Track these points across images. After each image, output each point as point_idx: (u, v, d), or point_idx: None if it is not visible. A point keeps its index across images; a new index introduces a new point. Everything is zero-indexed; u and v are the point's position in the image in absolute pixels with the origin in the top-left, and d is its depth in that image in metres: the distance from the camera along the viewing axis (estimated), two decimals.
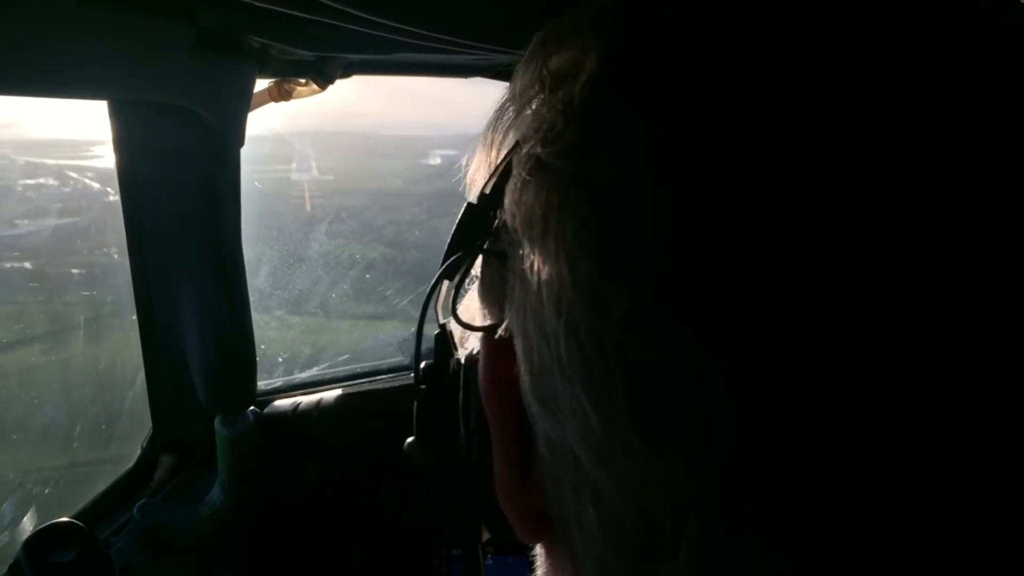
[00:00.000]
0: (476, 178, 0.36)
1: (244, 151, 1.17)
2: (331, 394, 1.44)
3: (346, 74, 1.24)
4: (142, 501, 1.20)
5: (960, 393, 0.23)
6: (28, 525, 1.49)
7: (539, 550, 0.35)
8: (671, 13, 0.28)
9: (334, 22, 0.80)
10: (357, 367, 1.65)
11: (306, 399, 1.44)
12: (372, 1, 0.73)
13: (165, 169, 1.13)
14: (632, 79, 0.27)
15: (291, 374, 1.73)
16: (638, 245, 0.25)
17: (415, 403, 0.38)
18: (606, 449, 0.27)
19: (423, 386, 0.38)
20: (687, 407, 0.25)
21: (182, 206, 1.14)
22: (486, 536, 0.38)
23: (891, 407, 0.23)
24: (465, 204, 0.35)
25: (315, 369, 1.77)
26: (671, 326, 0.25)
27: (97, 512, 1.23)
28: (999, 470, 0.23)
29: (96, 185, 2.40)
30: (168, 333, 1.25)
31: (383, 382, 1.50)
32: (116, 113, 1.10)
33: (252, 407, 1.35)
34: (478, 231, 0.34)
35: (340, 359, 2.09)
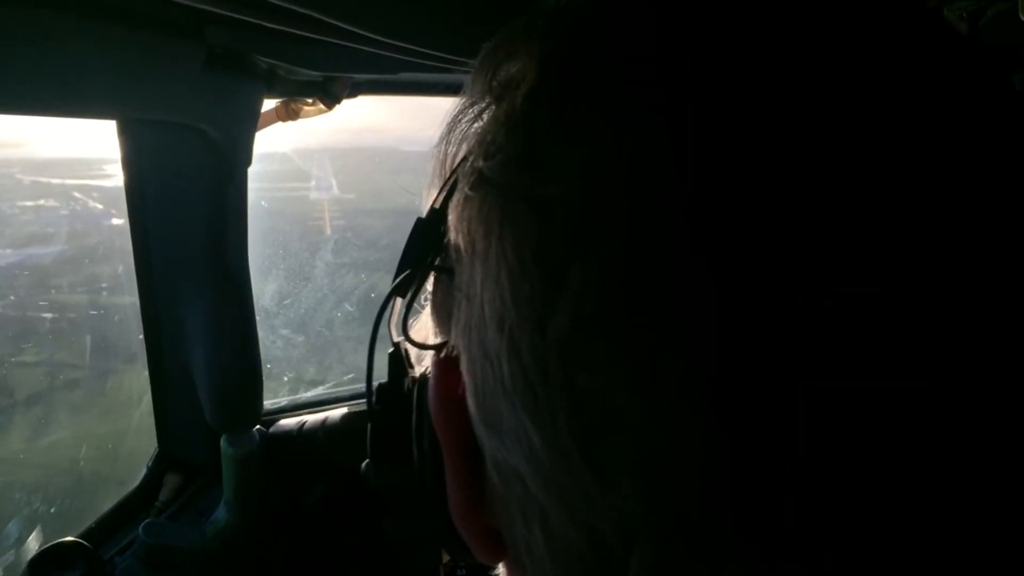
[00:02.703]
0: (429, 192, 0.35)
1: (253, 169, 1.18)
2: (336, 413, 1.44)
3: (352, 94, 1.25)
4: (147, 521, 1.19)
5: (921, 421, 0.22)
6: (34, 544, 1.48)
7: (501, 569, 0.34)
8: (616, 19, 0.27)
9: (341, 42, 0.81)
10: (362, 386, 1.64)
11: (311, 418, 1.44)
12: (378, 21, 0.74)
13: (173, 187, 1.13)
14: (571, 89, 0.26)
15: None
16: (578, 264, 0.24)
17: (368, 424, 0.37)
18: (551, 472, 0.26)
19: (377, 406, 0.37)
20: (633, 430, 0.24)
21: (189, 225, 1.15)
22: (447, 558, 0.37)
23: (847, 429, 0.22)
24: (415, 219, 0.34)
25: (320, 388, 1.76)
26: (616, 347, 0.24)
27: (102, 531, 1.22)
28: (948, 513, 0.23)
29: (92, 207, 2.15)
30: (174, 352, 1.26)
31: None
32: (124, 131, 1.11)
33: (258, 426, 1.34)
34: (428, 247, 0.33)
35: (346, 378, 2.08)
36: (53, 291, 1.99)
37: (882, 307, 0.22)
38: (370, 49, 0.84)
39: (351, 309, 2.34)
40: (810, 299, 0.22)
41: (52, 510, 1.55)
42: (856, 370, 0.22)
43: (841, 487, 0.23)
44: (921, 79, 0.24)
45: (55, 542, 1.07)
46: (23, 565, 1.06)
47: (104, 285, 1.92)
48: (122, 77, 0.82)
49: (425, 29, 0.80)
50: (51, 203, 2.30)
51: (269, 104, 1.20)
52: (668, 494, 0.24)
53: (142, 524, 1.17)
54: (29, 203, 2.28)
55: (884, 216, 0.23)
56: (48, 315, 1.94)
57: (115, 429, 1.75)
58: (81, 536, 1.14)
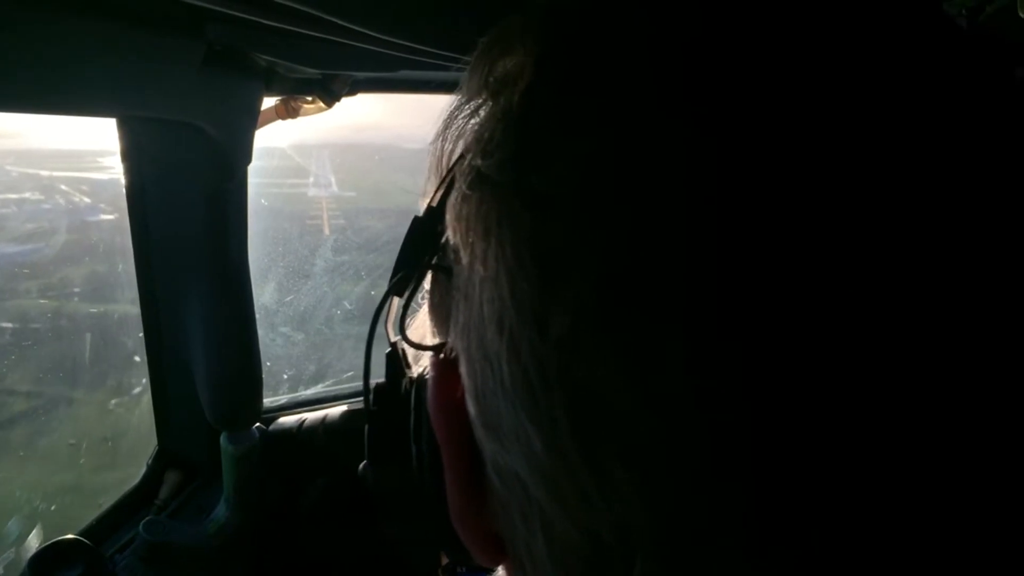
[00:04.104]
0: (427, 190, 0.34)
1: (252, 165, 1.18)
2: (336, 411, 1.44)
3: (352, 92, 1.25)
4: (148, 518, 1.19)
5: (930, 428, 0.22)
6: (34, 542, 1.48)
7: (500, 572, 0.34)
8: (612, 15, 0.27)
9: (340, 40, 0.81)
10: (361, 384, 1.64)
11: (311, 416, 1.44)
12: (378, 19, 0.74)
13: (172, 185, 1.14)
14: (568, 86, 0.26)
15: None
16: (578, 263, 0.24)
17: (366, 425, 0.37)
18: (552, 475, 0.26)
19: (374, 407, 0.37)
20: (634, 430, 0.24)
21: (189, 222, 1.15)
22: (445, 561, 0.37)
23: (851, 432, 0.22)
24: (412, 217, 0.34)
25: (320, 386, 1.76)
26: (616, 346, 0.24)
27: (103, 529, 1.23)
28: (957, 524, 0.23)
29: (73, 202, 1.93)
30: (174, 349, 1.26)
31: None
32: (124, 129, 1.11)
33: (257, 424, 1.34)
34: (425, 246, 0.33)
35: (345, 376, 2.07)
36: (18, 297, 1.70)
37: (881, 308, 0.22)
38: (369, 47, 0.84)
39: (350, 307, 2.33)
40: (807, 300, 0.22)
41: None
42: (851, 375, 0.22)
43: (834, 486, 0.22)
44: (929, 94, 0.24)
45: (55, 540, 1.07)
46: (23, 563, 1.06)
47: (76, 290, 1.70)
48: (121, 75, 0.82)
49: (425, 27, 0.80)
50: (36, 196, 2.14)
51: (269, 102, 1.20)
52: (668, 495, 0.24)
53: (142, 521, 1.17)
54: (12, 196, 2.11)
55: (879, 214, 0.22)
56: (8, 325, 1.61)
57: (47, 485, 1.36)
58: (81, 533, 1.14)
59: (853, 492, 0.23)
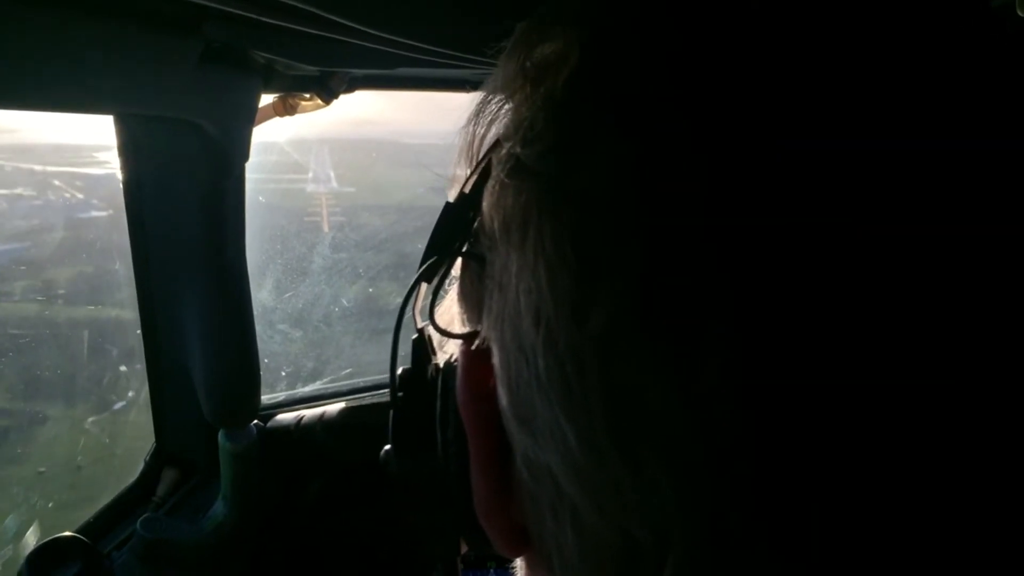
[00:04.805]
0: (457, 175, 0.34)
1: (249, 160, 1.18)
2: (334, 408, 1.44)
3: (350, 89, 1.24)
4: (145, 515, 1.19)
5: (955, 420, 0.22)
6: (32, 539, 1.48)
7: (519, 563, 0.34)
8: (662, 4, 0.27)
9: (338, 37, 0.81)
10: (360, 381, 1.64)
11: (309, 413, 1.43)
12: (376, 16, 0.74)
13: (170, 182, 1.13)
14: (617, 75, 0.26)
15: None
16: (620, 255, 0.24)
17: (391, 411, 0.37)
18: (586, 470, 0.26)
19: (400, 393, 0.36)
20: (671, 425, 0.24)
21: (186, 220, 1.15)
22: (465, 549, 0.37)
23: (884, 425, 0.22)
24: (444, 203, 0.33)
25: (318, 383, 1.76)
26: (657, 343, 0.23)
27: (100, 526, 1.22)
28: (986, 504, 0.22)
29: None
30: (171, 347, 1.25)
31: (387, 395, 1.49)
32: (122, 126, 1.10)
33: (255, 421, 1.34)
34: (456, 232, 0.32)
35: (343, 373, 2.07)
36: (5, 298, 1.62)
37: (913, 315, 0.22)
38: (368, 44, 0.84)
39: (348, 304, 2.32)
40: (840, 305, 0.22)
41: None
42: (887, 372, 0.22)
43: (871, 493, 0.22)
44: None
45: (52, 537, 1.07)
46: (21, 560, 1.06)
47: (61, 291, 1.64)
48: (119, 72, 0.82)
49: (423, 24, 0.80)
50: (28, 191, 2.08)
51: (267, 99, 1.19)
52: (705, 494, 0.24)
53: (140, 519, 1.17)
54: (3, 191, 2.05)
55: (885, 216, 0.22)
56: None
57: None
58: (79, 531, 1.14)
59: (884, 510, 0.22)
